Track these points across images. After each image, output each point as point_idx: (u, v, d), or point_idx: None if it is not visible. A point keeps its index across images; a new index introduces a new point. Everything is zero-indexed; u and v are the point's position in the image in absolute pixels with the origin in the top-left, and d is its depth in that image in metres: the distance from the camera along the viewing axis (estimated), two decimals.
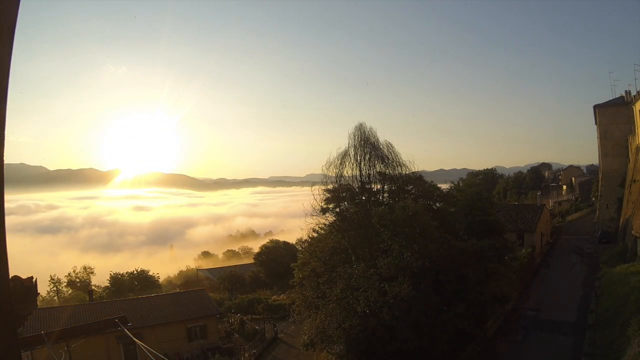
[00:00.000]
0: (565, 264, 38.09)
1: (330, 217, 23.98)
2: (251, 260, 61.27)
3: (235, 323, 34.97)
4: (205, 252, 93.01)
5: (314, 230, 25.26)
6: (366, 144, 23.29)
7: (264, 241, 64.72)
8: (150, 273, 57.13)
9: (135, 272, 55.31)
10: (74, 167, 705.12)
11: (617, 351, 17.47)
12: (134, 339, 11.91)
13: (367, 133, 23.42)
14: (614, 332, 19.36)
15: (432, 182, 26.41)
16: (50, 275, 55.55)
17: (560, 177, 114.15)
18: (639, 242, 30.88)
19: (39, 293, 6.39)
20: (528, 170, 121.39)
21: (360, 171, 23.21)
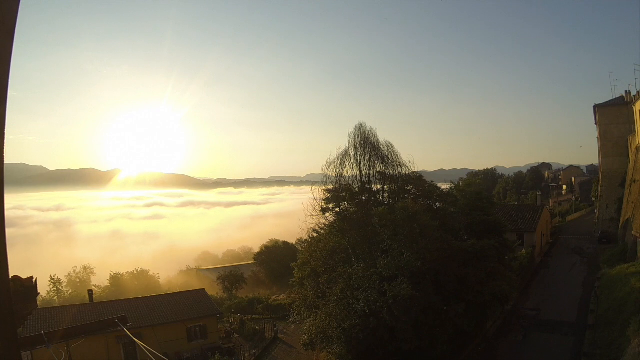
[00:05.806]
0: (565, 264, 38.11)
1: (330, 217, 23.90)
2: (251, 260, 61.25)
3: (235, 323, 34.95)
4: (205, 252, 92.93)
5: (314, 230, 25.21)
6: (366, 144, 23.22)
7: (264, 241, 64.65)
8: (150, 273, 57.17)
9: (135, 272, 55.34)
10: (74, 167, 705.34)
11: (617, 351, 17.47)
12: (134, 339, 11.92)
13: (367, 133, 23.37)
14: (614, 332, 19.36)
15: (432, 182, 26.32)
16: (50, 275, 55.58)
17: (560, 177, 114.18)
18: (639, 242, 30.88)
19: (39, 293, 6.39)
20: (528, 170, 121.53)
21: (360, 171, 23.16)
